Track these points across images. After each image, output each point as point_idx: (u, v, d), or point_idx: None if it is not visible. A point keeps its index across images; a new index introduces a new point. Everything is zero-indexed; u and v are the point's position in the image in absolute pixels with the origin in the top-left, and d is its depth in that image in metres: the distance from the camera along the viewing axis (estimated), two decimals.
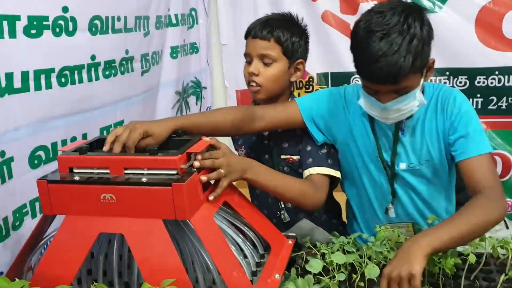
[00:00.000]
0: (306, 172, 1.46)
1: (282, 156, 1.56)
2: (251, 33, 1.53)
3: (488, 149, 1.32)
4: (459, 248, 1.24)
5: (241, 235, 1.19)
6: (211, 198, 1.12)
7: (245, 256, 1.16)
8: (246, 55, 1.54)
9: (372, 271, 1.13)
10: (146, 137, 1.16)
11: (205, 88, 2.72)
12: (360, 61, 1.25)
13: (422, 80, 1.28)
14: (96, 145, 1.18)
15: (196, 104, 2.63)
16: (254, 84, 1.52)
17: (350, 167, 1.52)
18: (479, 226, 1.16)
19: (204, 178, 1.10)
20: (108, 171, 1.06)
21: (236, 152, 1.66)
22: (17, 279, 0.96)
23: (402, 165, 1.43)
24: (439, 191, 1.47)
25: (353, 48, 1.28)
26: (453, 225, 1.14)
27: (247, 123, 1.42)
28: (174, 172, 1.03)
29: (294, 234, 1.36)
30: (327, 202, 1.44)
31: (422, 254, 1.06)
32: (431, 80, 2.46)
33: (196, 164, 1.09)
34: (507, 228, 2.49)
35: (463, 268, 1.19)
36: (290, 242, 1.32)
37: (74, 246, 1.03)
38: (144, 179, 1.01)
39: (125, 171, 1.05)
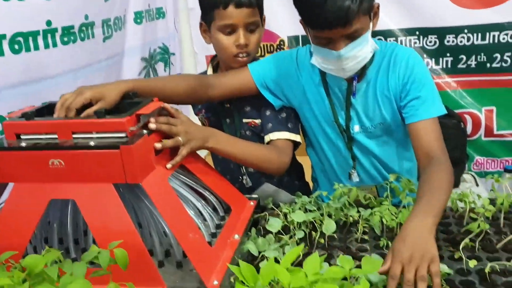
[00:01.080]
0: (267, 138, 1.44)
1: (244, 120, 1.53)
2: (231, 2, 1.38)
3: (438, 112, 1.31)
4: None
5: (202, 200, 1.18)
6: (169, 166, 1.10)
7: (204, 220, 1.15)
8: (227, 26, 1.40)
9: (329, 227, 1.13)
10: (97, 102, 1.13)
11: (174, 54, 2.66)
12: (307, 10, 1.22)
13: (371, 24, 1.26)
14: (47, 111, 1.15)
15: (165, 70, 2.58)
16: (244, 55, 1.44)
17: (309, 133, 1.51)
18: (450, 193, 1.15)
19: (158, 145, 1.08)
20: (56, 136, 1.03)
21: (196, 117, 1.63)
22: None
23: (356, 128, 1.42)
24: (397, 152, 1.46)
25: (297, 1, 1.24)
26: (438, 197, 1.10)
27: (201, 91, 1.39)
28: (123, 135, 1.01)
29: (256, 196, 1.36)
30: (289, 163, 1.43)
31: (433, 238, 0.99)
32: (399, 41, 2.44)
33: (152, 126, 1.07)
34: (477, 185, 2.52)
35: None
36: (251, 203, 1.31)
37: (25, 214, 1.01)
38: (92, 143, 0.99)
39: (74, 136, 1.02)
